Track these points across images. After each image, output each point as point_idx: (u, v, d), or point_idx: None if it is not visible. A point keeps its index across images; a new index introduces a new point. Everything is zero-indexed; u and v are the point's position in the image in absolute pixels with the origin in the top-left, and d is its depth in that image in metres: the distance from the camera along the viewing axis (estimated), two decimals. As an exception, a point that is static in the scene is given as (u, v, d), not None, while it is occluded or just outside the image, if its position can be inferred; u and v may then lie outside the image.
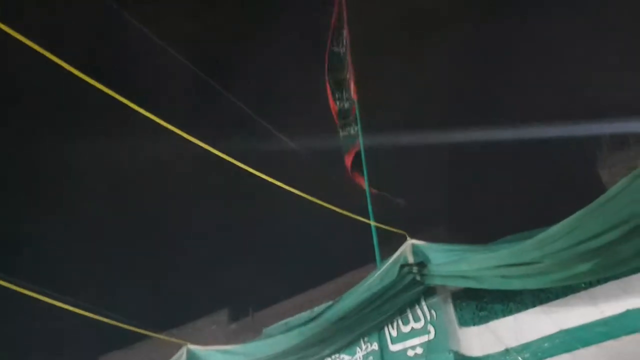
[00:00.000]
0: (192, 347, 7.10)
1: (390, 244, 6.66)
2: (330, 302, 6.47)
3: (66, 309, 7.36)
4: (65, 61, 4.32)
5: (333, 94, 9.64)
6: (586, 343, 5.01)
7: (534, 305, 5.40)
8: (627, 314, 4.89)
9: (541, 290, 5.28)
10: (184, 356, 7.07)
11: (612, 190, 4.71)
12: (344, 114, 9.53)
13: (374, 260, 7.47)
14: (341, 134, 9.56)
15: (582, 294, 5.16)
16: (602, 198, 4.76)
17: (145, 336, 9.02)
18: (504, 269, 5.26)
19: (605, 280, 5.07)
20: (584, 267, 4.95)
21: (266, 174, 5.76)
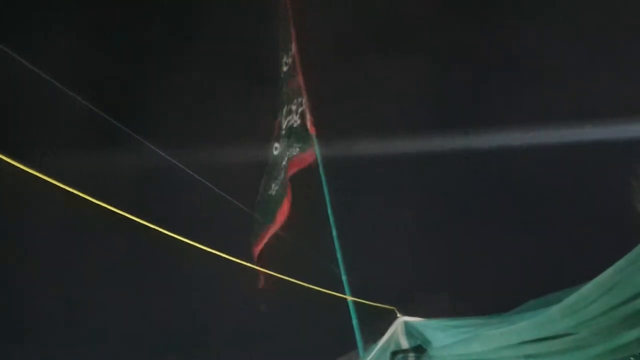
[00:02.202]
0: None
1: (376, 323, 5.53)
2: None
3: None
4: None
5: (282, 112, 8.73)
6: None
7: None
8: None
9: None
10: None
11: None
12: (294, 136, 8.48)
13: (355, 347, 6.21)
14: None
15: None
16: (643, 244, 3.82)
17: None
18: (529, 346, 4.32)
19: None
20: (631, 335, 3.98)
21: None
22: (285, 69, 9.00)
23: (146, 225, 3.69)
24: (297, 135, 8.22)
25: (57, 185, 3.18)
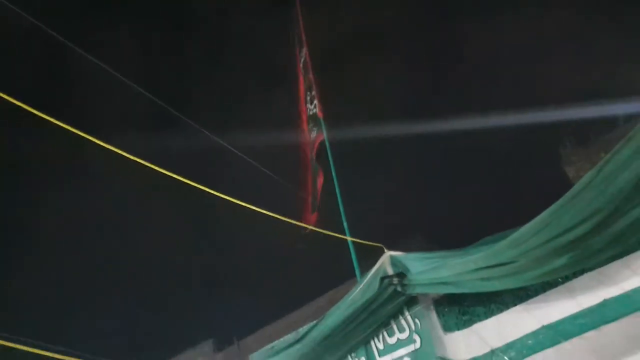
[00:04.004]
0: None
1: (368, 259, 6.69)
2: (314, 322, 6.46)
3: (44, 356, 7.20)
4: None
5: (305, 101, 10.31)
6: (568, 336, 5.09)
7: (514, 304, 5.46)
8: (605, 303, 4.99)
9: (520, 289, 5.35)
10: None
11: (579, 185, 4.83)
12: (312, 121, 10.07)
13: (354, 276, 7.48)
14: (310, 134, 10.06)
15: (560, 288, 5.25)
16: (569, 193, 4.87)
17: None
18: (482, 272, 5.33)
19: (581, 272, 5.17)
20: (559, 261, 5.06)
21: (233, 198, 5.78)
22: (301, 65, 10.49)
23: (205, 191, 4.84)
24: (314, 120, 9.76)
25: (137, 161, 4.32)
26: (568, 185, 4.93)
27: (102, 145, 4.60)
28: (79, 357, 7.55)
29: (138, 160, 4.79)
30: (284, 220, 6.66)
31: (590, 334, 5.02)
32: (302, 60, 10.79)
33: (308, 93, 10.46)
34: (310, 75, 10.34)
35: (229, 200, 5.32)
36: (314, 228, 6.72)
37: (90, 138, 4.50)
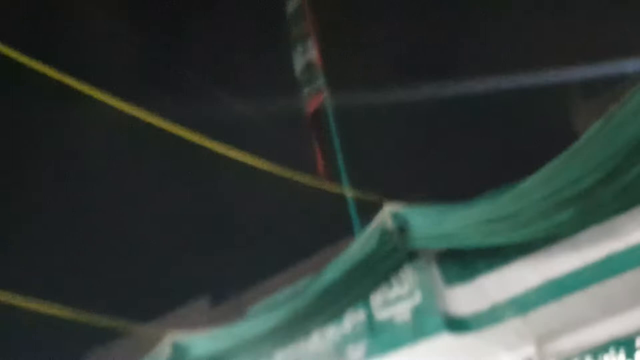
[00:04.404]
0: (175, 336, 6.95)
1: (368, 213, 6.58)
2: (312, 277, 6.39)
3: (38, 311, 7.15)
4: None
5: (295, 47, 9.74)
6: (571, 290, 5.05)
7: (517, 259, 5.38)
8: (610, 257, 4.93)
9: (524, 243, 5.24)
10: (168, 346, 6.92)
11: (586, 136, 4.68)
12: (307, 70, 9.55)
13: (353, 231, 7.38)
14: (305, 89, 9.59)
15: (565, 242, 5.16)
16: (576, 144, 4.72)
17: (124, 330, 8.86)
18: (485, 225, 5.24)
19: (587, 226, 5.05)
20: (564, 215, 4.94)
21: (227, 146, 5.64)
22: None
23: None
24: (309, 69, 9.25)
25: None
26: (576, 137, 4.77)
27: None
28: (74, 312, 7.51)
29: (131, 109, 4.60)
30: (283, 173, 6.54)
31: (594, 288, 4.97)
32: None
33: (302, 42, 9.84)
34: (308, 22, 9.76)
35: (227, 152, 5.16)
36: (312, 182, 6.55)
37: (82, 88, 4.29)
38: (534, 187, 4.99)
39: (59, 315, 7.23)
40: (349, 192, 7.33)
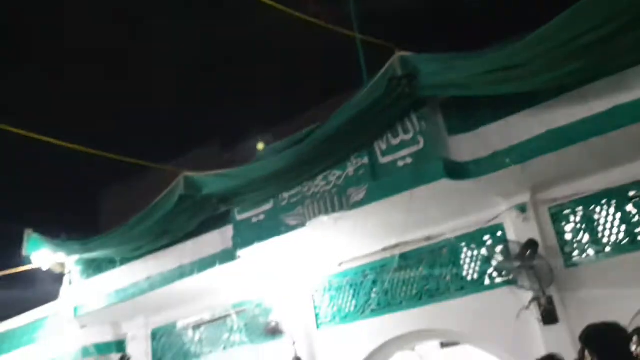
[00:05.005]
0: (189, 174, 7.23)
1: (378, 61, 6.48)
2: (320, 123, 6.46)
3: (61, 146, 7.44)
4: None
5: None
6: (572, 141, 5.11)
7: (522, 109, 5.41)
8: (615, 109, 4.93)
9: (530, 93, 5.25)
10: (181, 184, 7.23)
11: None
12: None
13: (362, 79, 7.31)
14: None
15: (573, 93, 5.14)
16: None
17: (140, 170, 9.21)
18: (494, 74, 5.23)
19: (595, 78, 5.02)
20: (575, 65, 4.92)
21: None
22: None
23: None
24: None
25: None
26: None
27: None
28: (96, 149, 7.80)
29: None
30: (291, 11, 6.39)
31: (596, 139, 5.02)
32: None
33: None
34: None
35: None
36: (320, 22, 6.40)
37: None
38: (546, 36, 4.92)
39: (81, 151, 7.54)
40: (359, 38, 7.14)
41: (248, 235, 6.94)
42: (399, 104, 5.79)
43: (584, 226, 5.77)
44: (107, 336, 9.29)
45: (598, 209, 5.71)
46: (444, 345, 10.32)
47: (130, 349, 9.03)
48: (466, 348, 7.74)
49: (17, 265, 9.55)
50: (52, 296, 9.84)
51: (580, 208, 5.78)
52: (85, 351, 9.20)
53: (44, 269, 9.05)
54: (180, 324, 8.77)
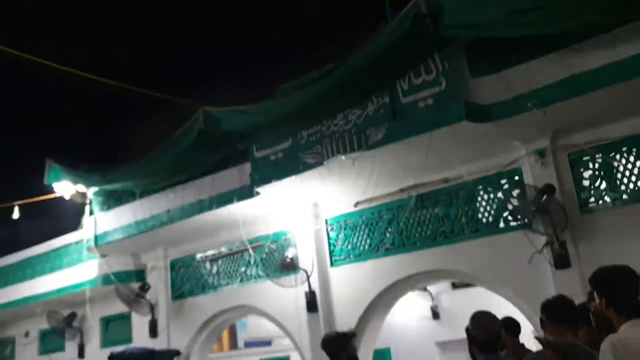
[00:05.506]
0: (208, 108, 7.24)
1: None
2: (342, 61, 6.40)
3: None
4: None
5: None
6: (597, 87, 5.04)
7: (547, 52, 5.31)
8: (641, 55, 4.81)
9: (557, 36, 5.13)
10: (200, 118, 7.25)
11: None
12: None
13: (385, 17, 7.17)
14: None
15: (599, 37, 5.02)
16: None
17: (158, 105, 9.27)
18: (519, 15, 5.08)
19: (625, 22, 4.88)
20: (602, 8, 4.81)
21: None
22: None
23: None
24: None
25: None
26: None
27: None
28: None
29: None
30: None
31: (620, 86, 4.94)
32: None
33: None
34: None
35: None
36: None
37: None
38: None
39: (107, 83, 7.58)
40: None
41: (266, 172, 7.03)
42: (422, 42, 5.68)
43: (602, 173, 5.75)
44: (127, 265, 9.60)
45: (618, 156, 5.67)
46: (455, 286, 10.58)
47: (149, 279, 9.35)
48: (478, 289, 7.91)
49: (40, 195, 9.82)
50: (73, 226, 10.16)
51: (600, 155, 5.74)
52: (106, 279, 9.53)
53: (66, 197, 9.29)
54: (198, 256, 9.01)
